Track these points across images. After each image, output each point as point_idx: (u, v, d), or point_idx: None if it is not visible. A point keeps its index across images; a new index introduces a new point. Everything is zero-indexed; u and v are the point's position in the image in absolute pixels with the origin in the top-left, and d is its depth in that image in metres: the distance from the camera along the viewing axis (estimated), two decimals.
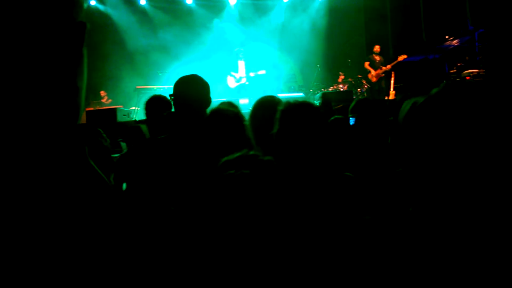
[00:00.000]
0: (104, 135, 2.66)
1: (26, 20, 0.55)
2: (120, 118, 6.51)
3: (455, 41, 8.24)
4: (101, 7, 10.76)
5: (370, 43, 10.45)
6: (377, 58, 9.52)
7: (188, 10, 11.47)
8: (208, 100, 2.18)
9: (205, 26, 11.38)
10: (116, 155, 2.85)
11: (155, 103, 2.74)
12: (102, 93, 10.24)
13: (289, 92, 10.40)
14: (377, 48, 9.57)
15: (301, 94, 9.63)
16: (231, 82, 9.10)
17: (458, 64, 8.04)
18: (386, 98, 8.94)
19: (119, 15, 10.88)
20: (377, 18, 11.00)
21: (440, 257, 0.89)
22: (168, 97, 2.65)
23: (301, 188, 1.27)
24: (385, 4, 11.06)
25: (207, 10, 11.51)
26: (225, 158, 1.00)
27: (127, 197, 1.62)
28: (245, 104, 8.19)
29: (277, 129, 1.48)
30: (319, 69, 10.52)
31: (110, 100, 10.21)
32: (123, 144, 2.87)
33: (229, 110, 1.66)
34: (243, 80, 9.00)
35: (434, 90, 0.96)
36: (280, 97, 2.04)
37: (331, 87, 10.09)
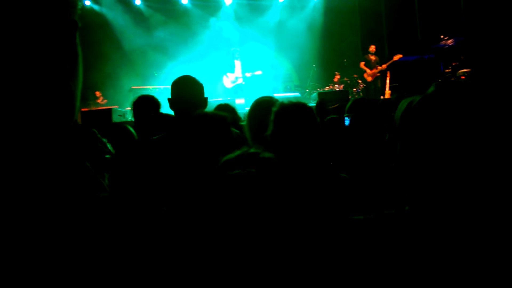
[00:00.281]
0: (99, 135, 2.65)
1: (20, 17, 0.55)
2: (116, 118, 6.49)
3: (450, 41, 8.28)
4: (96, 7, 10.72)
5: (365, 42, 10.49)
6: (373, 58, 9.56)
7: (184, 10, 11.46)
8: (205, 101, 2.19)
9: (201, 26, 11.37)
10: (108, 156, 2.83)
11: (142, 104, 2.71)
12: (98, 93, 10.20)
13: (285, 92, 10.42)
14: (372, 48, 9.61)
15: (297, 94, 9.64)
16: (227, 82, 9.10)
17: (453, 64, 8.08)
18: (381, 97, 8.97)
19: (114, 15, 10.84)
20: (372, 18, 11.03)
21: (436, 256, 0.90)
22: (156, 97, 2.63)
23: (297, 188, 1.27)
24: (380, 4, 11.09)
25: (203, 10, 11.50)
26: (226, 157, 0.98)
27: (123, 198, 1.62)
28: (241, 104, 8.20)
29: (271, 131, 1.47)
30: (315, 69, 10.54)
31: (105, 101, 10.17)
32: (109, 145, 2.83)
33: (215, 114, 1.63)
34: (240, 80, 9.00)
35: (431, 89, 0.96)
36: (276, 97, 2.04)
37: (327, 87, 10.11)
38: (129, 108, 8.23)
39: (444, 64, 8.46)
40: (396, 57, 9.00)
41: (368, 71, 9.49)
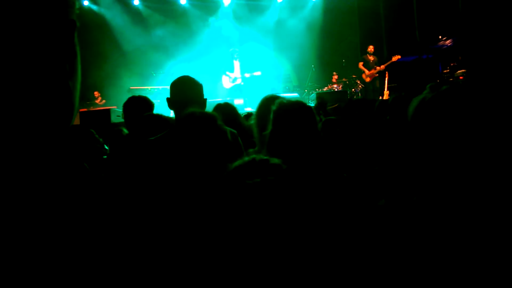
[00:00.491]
0: (97, 136, 2.64)
1: (17, 17, 0.54)
2: (114, 119, 6.47)
3: (448, 41, 8.30)
4: (94, 7, 10.71)
5: (364, 43, 10.50)
6: (371, 58, 9.56)
7: (182, 11, 11.45)
8: (204, 101, 2.18)
9: (200, 25, 11.35)
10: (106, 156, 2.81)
11: (133, 104, 2.70)
12: (96, 93, 10.18)
13: (284, 92, 10.42)
14: (371, 48, 9.61)
15: (295, 95, 9.64)
16: (226, 82, 9.10)
17: (452, 64, 8.10)
18: (380, 98, 8.99)
19: (112, 15, 10.83)
20: (371, 18, 11.04)
21: (440, 251, 0.91)
22: (153, 97, 2.61)
23: (311, 192, 1.27)
24: (379, 4, 11.11)
25: (201, 10, 11.49)
26: (235, 164, 0.97)
27: (121, 198, 1.61)
28: (240, 104, 8.20)
29: (270, 130, 1.47)
30: (313, 69, 10.55)
31: (104, 101, 10.15)
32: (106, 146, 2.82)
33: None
34: (238, 81, 9.00)
35: (444, 87, 1.02)
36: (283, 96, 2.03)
37: (326, 87, 10.11)
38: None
39: (442, 64, 8.48)
40: (395, 58, 9.01)
41: (367, 71, 9.50)
